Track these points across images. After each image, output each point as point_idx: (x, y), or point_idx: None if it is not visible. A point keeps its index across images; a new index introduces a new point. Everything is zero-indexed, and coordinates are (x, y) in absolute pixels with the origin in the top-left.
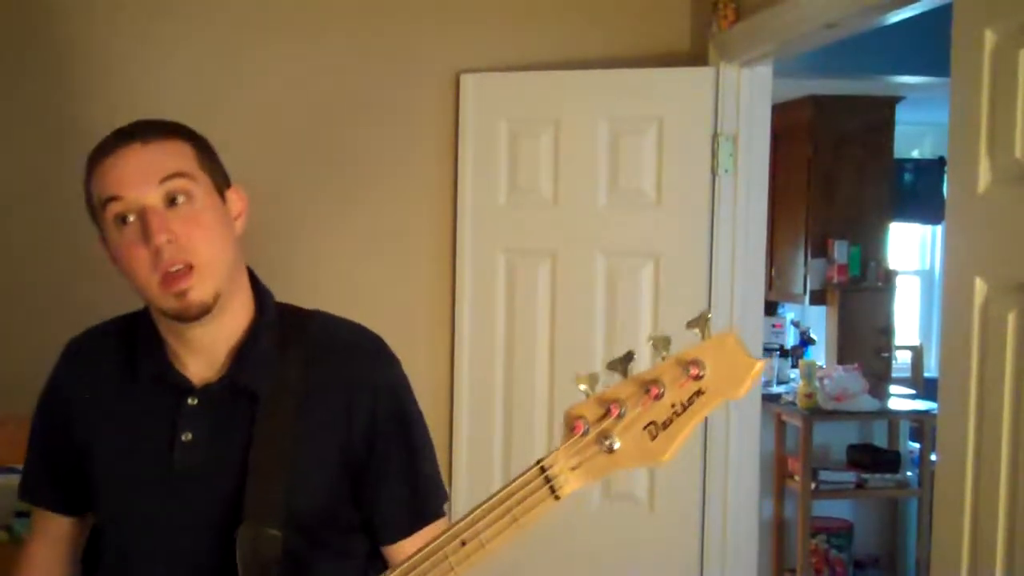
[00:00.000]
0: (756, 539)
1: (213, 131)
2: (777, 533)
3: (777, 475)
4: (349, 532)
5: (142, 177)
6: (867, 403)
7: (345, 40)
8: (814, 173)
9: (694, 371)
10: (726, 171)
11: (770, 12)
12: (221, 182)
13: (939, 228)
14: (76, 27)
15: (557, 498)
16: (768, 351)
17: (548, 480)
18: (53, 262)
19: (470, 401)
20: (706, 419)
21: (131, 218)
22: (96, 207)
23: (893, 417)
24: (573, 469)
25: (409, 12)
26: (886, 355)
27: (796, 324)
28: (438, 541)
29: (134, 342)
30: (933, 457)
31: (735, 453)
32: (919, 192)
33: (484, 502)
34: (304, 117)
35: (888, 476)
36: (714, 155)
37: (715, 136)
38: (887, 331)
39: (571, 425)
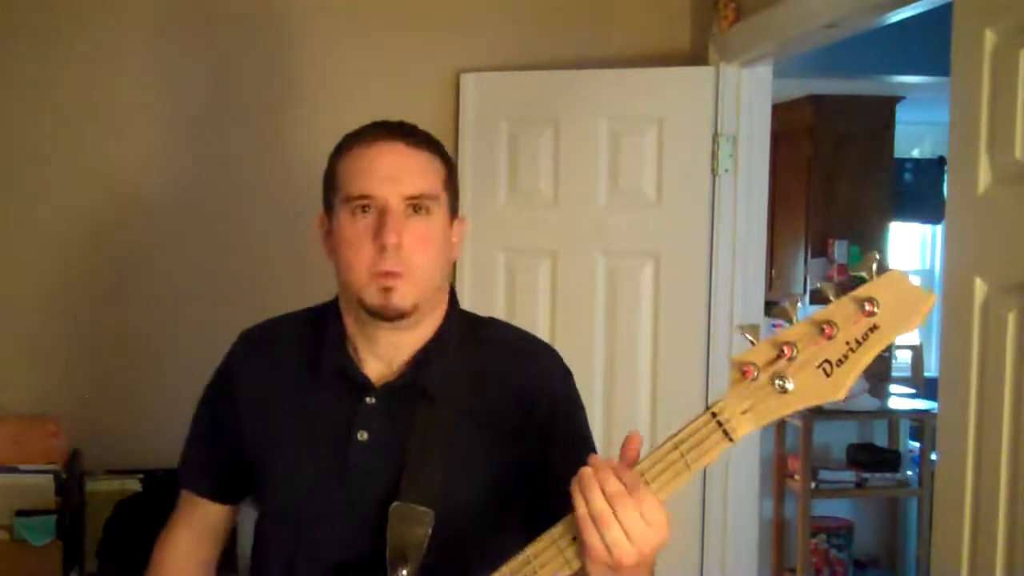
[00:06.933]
0: (756, 539)
1: (216, 132)
2: (777, 533)
3: (777, 475)
4: (501, 532)
5: (395, 180)
6: (867, 403)
7: (345, 40)
8: (814, 173)
9: (868, 308)
10: (726, 171)
11: (770, 12)
12: (455, 208)
13: (939, 228)
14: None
15: (731, 440)
16: None
17: (720, 424)
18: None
19: None
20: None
21: (370, 210)
22: (337, 186)
23: (893, 417)
24: (744, 413)
25: (409, 12)
26: (886, 355)
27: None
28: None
29: (319, 336)
30: (933, 457)
31: (735, 453)
32: (919, 192)
33: (655, 450)
34: (304, 117)
35: (888, 476)
36: (714, 155)
37: (715, 136)
38: None
39: (741, 370)
